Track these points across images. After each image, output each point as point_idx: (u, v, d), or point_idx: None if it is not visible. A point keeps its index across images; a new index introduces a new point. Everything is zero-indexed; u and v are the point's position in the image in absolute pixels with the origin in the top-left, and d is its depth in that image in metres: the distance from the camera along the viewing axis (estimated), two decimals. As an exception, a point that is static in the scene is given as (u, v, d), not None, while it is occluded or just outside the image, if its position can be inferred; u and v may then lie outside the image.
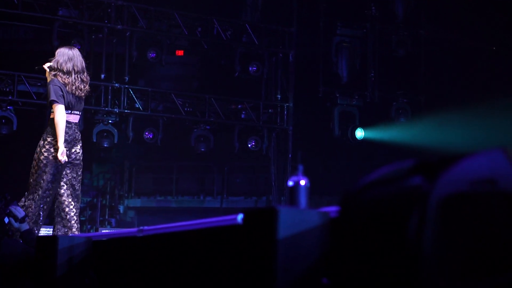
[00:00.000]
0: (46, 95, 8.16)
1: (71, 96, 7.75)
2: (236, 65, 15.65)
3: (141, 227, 5.02)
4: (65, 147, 7.62)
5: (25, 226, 5.51)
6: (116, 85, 14.80)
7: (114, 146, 15.34)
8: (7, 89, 13.91)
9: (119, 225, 17.26)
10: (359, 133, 15.62)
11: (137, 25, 14.90)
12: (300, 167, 4.57)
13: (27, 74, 13.83)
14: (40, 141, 7.76)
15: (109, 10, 14.63)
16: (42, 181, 7.68)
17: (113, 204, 18.16)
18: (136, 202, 18.65)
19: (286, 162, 15.93)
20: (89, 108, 14.43)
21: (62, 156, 7.58)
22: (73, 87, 7.76)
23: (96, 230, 15.86)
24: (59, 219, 7.82)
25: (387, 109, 15.88)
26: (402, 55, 15.98)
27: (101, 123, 14.81)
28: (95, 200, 17.61)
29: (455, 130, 14.13)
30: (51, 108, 7.74)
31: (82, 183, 17.17)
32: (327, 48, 15.93)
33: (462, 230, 2.29)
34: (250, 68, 15.76)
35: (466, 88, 14.59)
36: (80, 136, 7.96)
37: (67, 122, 7.70)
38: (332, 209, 3.09)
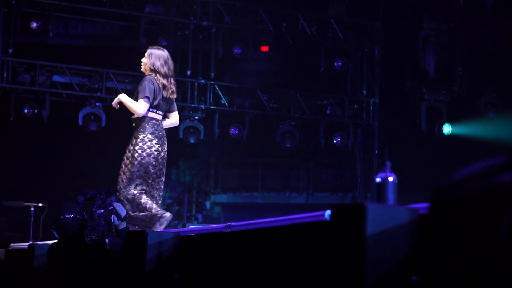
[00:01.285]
0: (135, 90, 7.87)
1: (162, 99, 7.71)
2: (321, 60, 15.61)
3: (229, 223, 5.05)
4: (156, 144, 7.54)
5: (123, 225, 5.61)
6: (202, 81, 14.93)
7: (200, 142, 15.50)
8: (96, 86, 14.14)
9: (205, 220, 17.42)
10: (447, 129, 15.41)
11: (223, 21, 14.99)
12: (388, 163, 4.52)
13: (115, 70, 14.04)
14: (132, 140, 7.51)
15: (195, 7, 14.77)
16: (134, 178, 7.47)
17: (199, 199, 18.32)
18: (222, 198, 18.76)
19: (372, 158, 15.81)
20: (176, 105, 14.58)
21: None
22: (169, 91, 7.74)
23: (184, 225, 16.02)
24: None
25: (475, 103, 15.61)
26: (491, 48, 15.67)
27: (188, 119, 14.97)
28: (182, 195, 17.79)
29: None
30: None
31: (169, 179, 17.56)
32: (414, 42, 15.74)
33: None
34: (335, 63, 15.70)
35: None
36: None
37: (156, 120, 7.67)
38: (421, 206, 3.05)
